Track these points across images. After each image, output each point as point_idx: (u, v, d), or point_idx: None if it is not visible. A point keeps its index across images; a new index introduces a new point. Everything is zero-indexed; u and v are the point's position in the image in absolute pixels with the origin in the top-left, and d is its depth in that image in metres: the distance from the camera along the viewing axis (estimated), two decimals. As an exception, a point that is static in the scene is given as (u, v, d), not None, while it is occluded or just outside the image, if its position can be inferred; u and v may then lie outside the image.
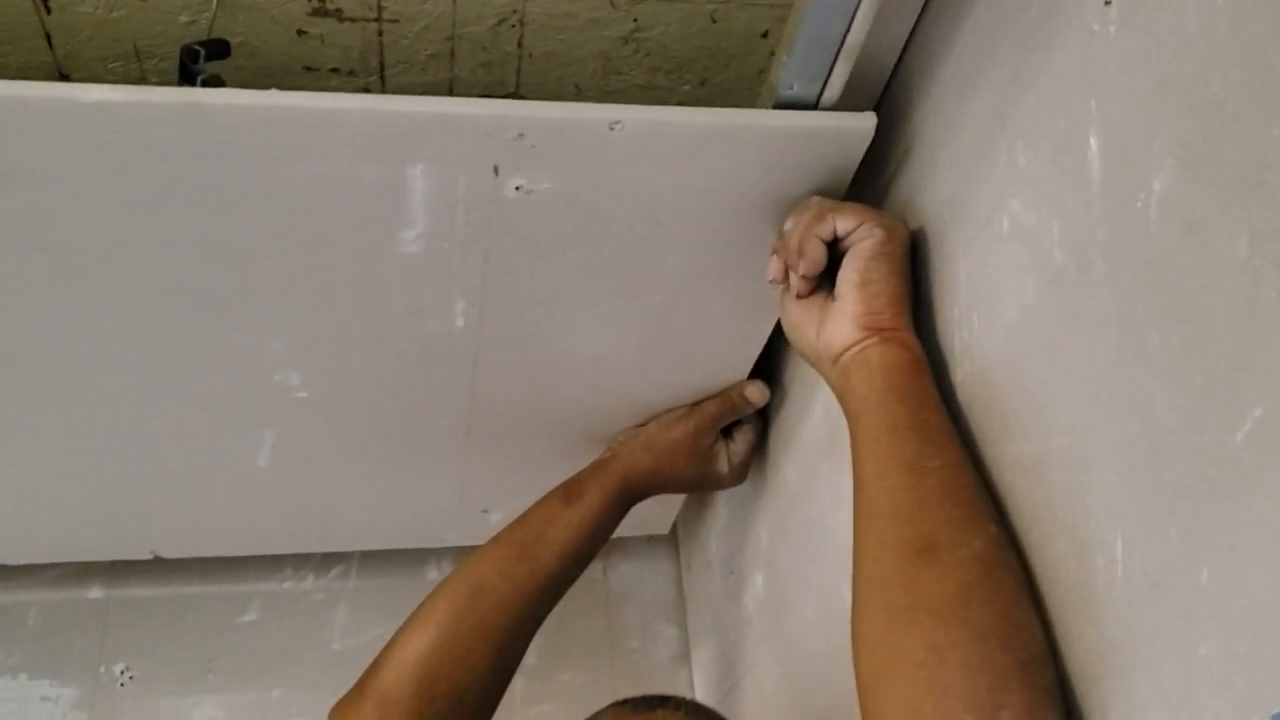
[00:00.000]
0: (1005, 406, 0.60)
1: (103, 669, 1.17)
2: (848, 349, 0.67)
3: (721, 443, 1.02)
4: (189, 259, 0.76)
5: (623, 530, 1.25)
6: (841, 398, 0.69)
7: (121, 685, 1.17)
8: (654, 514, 1.24)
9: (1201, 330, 0.45)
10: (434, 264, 0.79)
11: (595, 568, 1.30)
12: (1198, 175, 0.46)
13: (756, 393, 0.99)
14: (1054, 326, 0.56)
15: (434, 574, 1.27)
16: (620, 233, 0.78)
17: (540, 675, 1.24)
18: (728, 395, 1.00)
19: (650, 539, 1.32)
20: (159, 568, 1.20)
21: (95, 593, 1.20)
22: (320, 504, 1.10)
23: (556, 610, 1.20)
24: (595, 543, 0.97)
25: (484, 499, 1.12)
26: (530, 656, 1.20)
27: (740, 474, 1.03)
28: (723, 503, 1.15)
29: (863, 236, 0.68)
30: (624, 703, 0.76)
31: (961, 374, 0.65)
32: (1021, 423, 0.59)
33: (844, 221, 0.68)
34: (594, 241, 0.78)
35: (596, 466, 0.99)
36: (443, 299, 0.83)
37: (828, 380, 0.71)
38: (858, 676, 0.57)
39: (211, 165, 0.68)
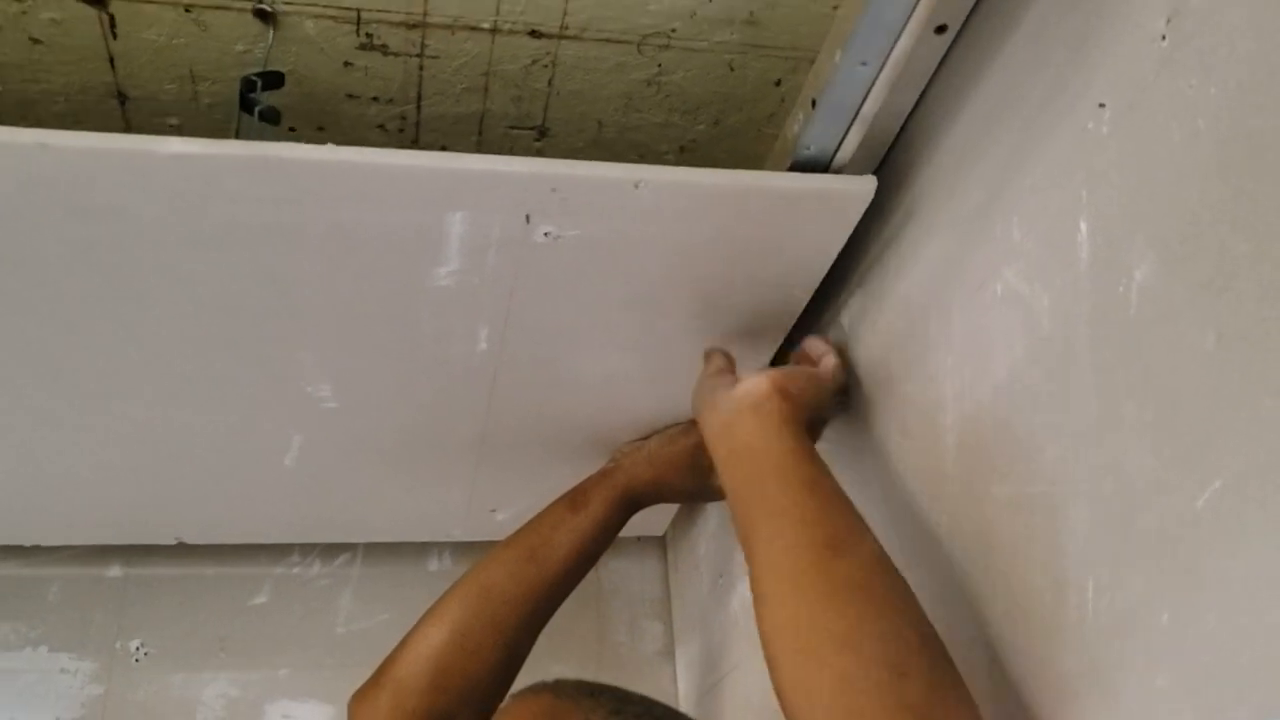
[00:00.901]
0: (991, 452, 0.67)
1: (119, 644, 1.23)
2: (762, 397, 0.77)
3: None
4: (243, 287, 0.82)
5: (616, 530, 1.32)
6: (742, 434, 0.77)
7: (137, 660, 1.22)
8: (649, 517, 1.30)
9: (1172, 406, 0.52)
10: (463, 297, 0.85)
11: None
12: (1174, 271, 0.53)
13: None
14: (1039, 386, 0.63)
15: (435, 565, 1.33)
16: (636, 274, 0.84)
17: (531, 665, 1.28)
18: None
19: (640, 539, 1.39)
20: (176, 550, 1.25)
21: (115, 571, 1.26)
22: (338, 500, 1.16)
23: None
24: (599, 547, 1.03)
25: (492, 499, 1.19)
26: (524, 645, 1.27)
27: None
28: (713, 509, 1.22)
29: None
30: (564, 682, 0.79)
31: (951, 419, 0.72)
32: (1006, 467, 0.66)
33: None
34: (612, 281, 0.85)
35: (601, 476, 1.05)
36: (468, 326, 0.89)
37: (724, 424, 0.79)
38: (775, 662, 0.64)
39: (272, 209, 0.74)
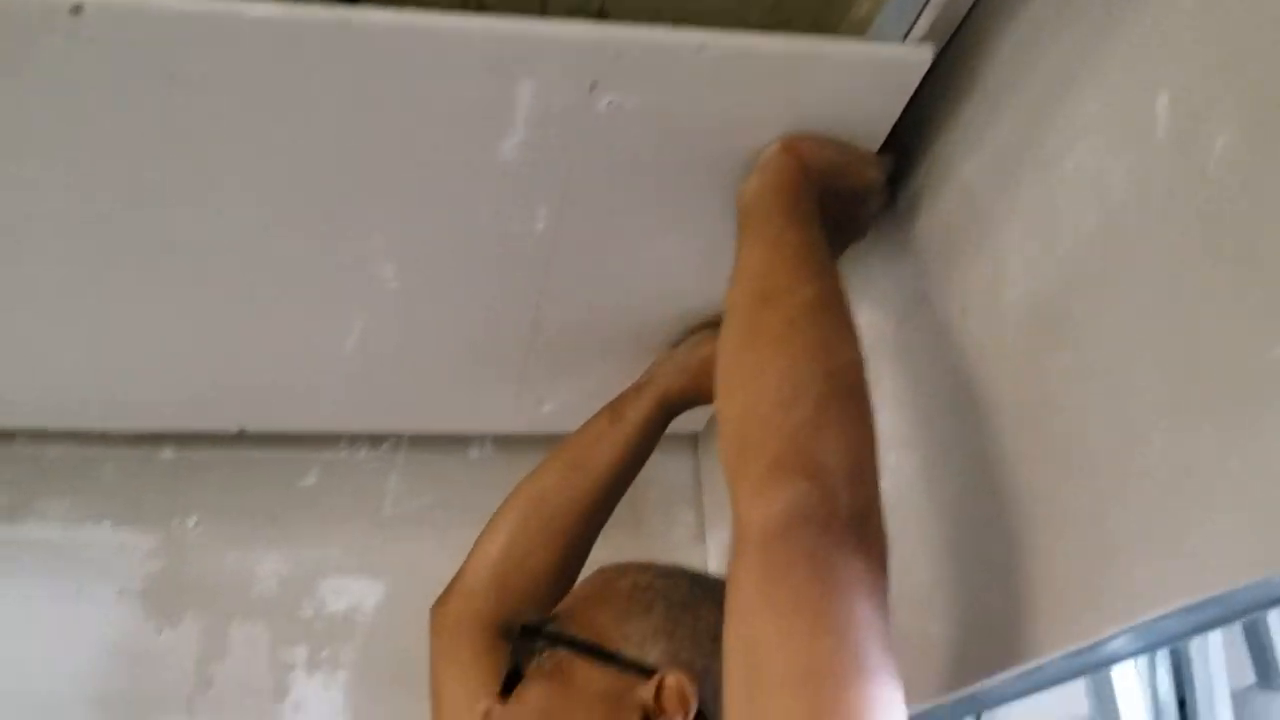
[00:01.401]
0: (1058, 322, 0.71)
1: (175, 521, 1.27)
2: (770, 154, 0.84)
3: None
4: (316, 158, 0.84)
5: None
6: (745, 194, 0.84)
7: (194, 536, 1.27)
8: (685, 415, 1.35)
9: (1250, 268, 0.55)
10: (525, 171, 0.87)
11: (622, 455, 1.41)
12: (1255, 140, 0.56)
13: None
14: (1109, 255, 0.66)
15: (475, 454, 1.37)
16: (695, 147, 0.86)
17: None
18: None
19: (671, 435, 1.43)
20: (224, 435, 1.29)
21: (167, 454, 1.29)
22: (393, 387, 1.19)
23: None
24: (641, 455, 1.10)
25: (541, 391, 1.22)
26: (563, 532, 1.31)
27: None
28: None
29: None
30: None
31: (1015, 294, 0.75)
32: (1073, 336, 0.69)
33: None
34: (670, 154, 0.87)
35: (637, 389, 1.11)
36: (528, 204, 0.92)
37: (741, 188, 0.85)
38: (715, 390, 0.74)
39: (351, 76, 0.76)
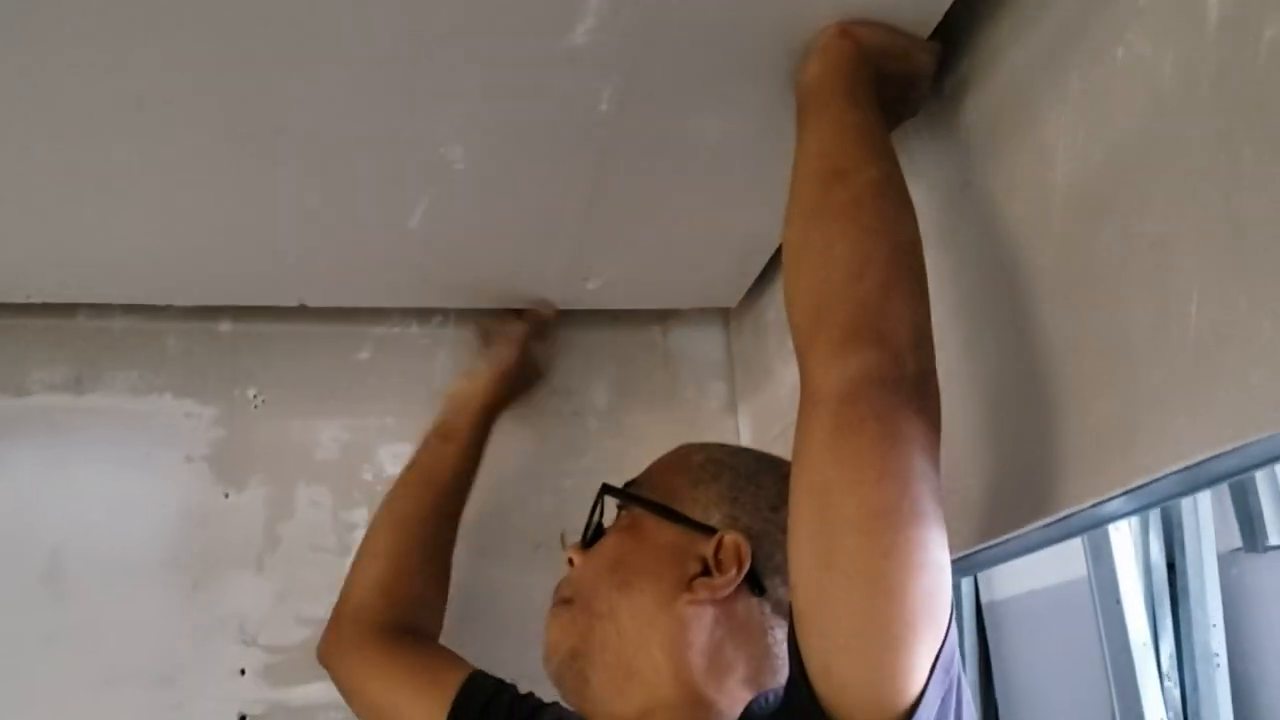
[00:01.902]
0: (1103, 200, 0.76)
1: (236, 392, 1.34)
2: (826, 37, 0.87)
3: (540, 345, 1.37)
4: (393, 41, 0.88)
5: (682, 302, 1.43)
6: (802, 77, 0.89)
7: (255, 407, 1.33)
8: (719, 289, 1.41)
9: (1290, 150, 0.61)
10: (594, 54, 0.91)
11: (655, 331, 1.48)
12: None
13: (548, 309, 1.36)
14: (1156, 139, 0.71)
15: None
16: (756, 29, 0.90)
17: (611, 418, 1.43)
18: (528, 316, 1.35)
19: (704, 310, 1.49)
20: (281, 309, 1.35)
21: (225, 326, 1.35)
22: (451, 263, 1.25)
23: (625, 364, 1.42)
24: (475, 457, 1.29)
25: (588, 268, 1.29)
26: (602, 401, 1.40)
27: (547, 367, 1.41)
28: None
29: None
30: None
31: (1061, 174, 0.81)
32: (1115, 210, 0.75)
33: None
34: (732, 37, 0.90)
35: (457, 409, 1.29)
36: (593, 85, 0.95)
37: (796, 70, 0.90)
38: (783, 271, 0.81)
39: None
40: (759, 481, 0.95)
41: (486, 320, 1.35)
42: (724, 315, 1.51)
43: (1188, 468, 0.68)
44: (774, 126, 1.02)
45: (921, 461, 0.71)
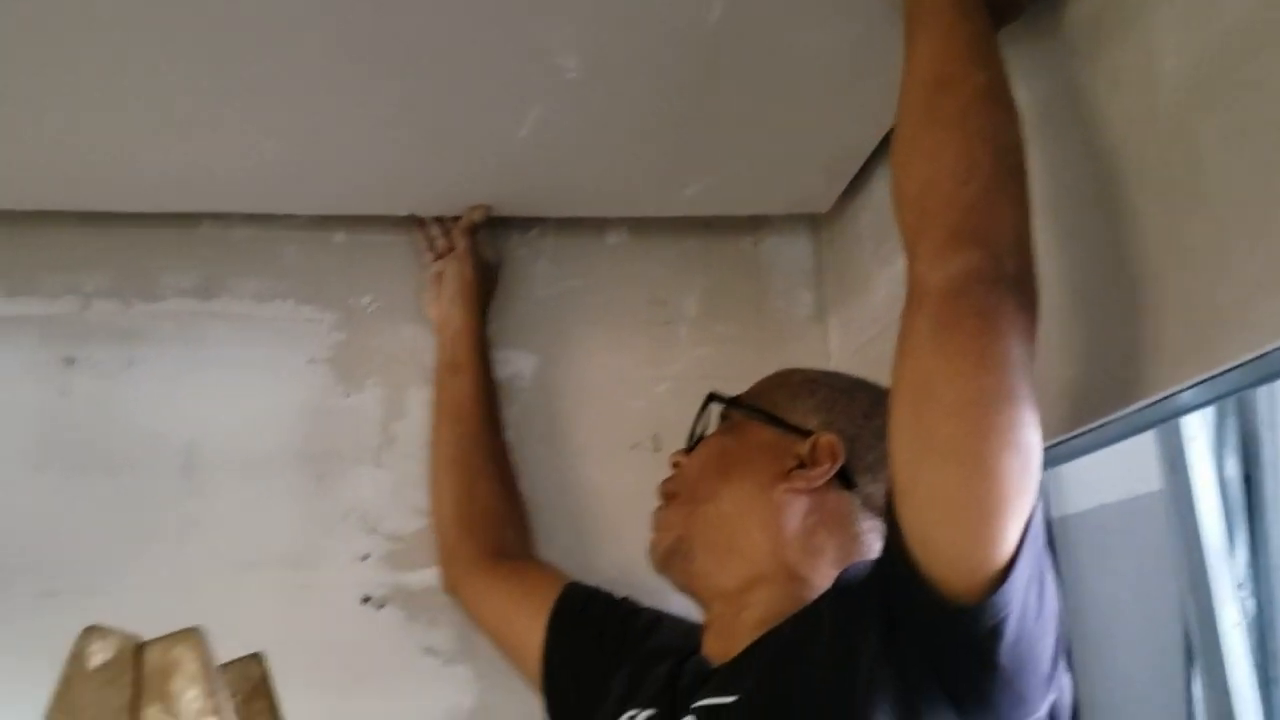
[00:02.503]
0: (1211, 89, 0.78)
1: (352, 299, 1.41)
2: None
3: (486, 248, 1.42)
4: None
5: (773, 208, 1.47)
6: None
7: (370, 313, 1.41)
8: (806, 195, 1.45)
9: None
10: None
11: (745, 242, 1.52)
12: None
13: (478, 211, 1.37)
14: (1268, 25, 0.74)
15: (613, 239, 1.49)
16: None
17: (700, 325, 1.48)
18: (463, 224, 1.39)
19: (792, 217, 1.53)
20: (389, 220, 1.42)
21: (340, 237, 1.42)
22: (551, 172, 1.31)
23: (715, 274, 1.49)
24: (488, 374, 1.37)
25: (688, 175, 1.34)
26: (692, 310, 1.45)
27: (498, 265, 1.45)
28: (882, 180, 1.35)
29: None
30: None
31: (1170, 65, 0.83)
32: (1224, 99, 0.77)
33: None
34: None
35: (452, 340, 1.36)
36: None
37: None
38: (892, 168, 0.86)
39: None
40: (852, 395, 1.03)
41: (426, 234, 1.41)
42: (814, 225, 1.54)
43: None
44: (873, 36, 1.06)
45: (1017, 352, 0.77)
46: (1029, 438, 0.76)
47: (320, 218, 1.41)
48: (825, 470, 0.97)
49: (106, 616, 1.26)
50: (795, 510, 0.97)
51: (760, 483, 0.98)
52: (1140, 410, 0.88)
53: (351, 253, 1.42)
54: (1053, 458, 1.04)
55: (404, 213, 1.40)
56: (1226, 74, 0.77)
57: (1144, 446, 2.10)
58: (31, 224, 1.35)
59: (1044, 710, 0.83)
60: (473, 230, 1.39)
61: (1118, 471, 2.39)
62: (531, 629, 1.19)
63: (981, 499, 0.75)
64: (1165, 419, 0.96)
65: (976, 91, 0.83)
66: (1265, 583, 2.18)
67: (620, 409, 1.43)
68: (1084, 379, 0.94)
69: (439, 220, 1.40)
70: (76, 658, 0.76)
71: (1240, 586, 2.17)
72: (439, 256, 1.39)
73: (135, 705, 0.72)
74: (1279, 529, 2.18)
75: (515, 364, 1.43)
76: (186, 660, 0.73)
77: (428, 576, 1.33)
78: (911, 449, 0.78)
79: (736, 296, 1.50)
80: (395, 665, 1.30)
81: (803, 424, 1.00)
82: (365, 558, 1.33)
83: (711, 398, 1.08)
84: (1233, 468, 2.24)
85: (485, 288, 1.40)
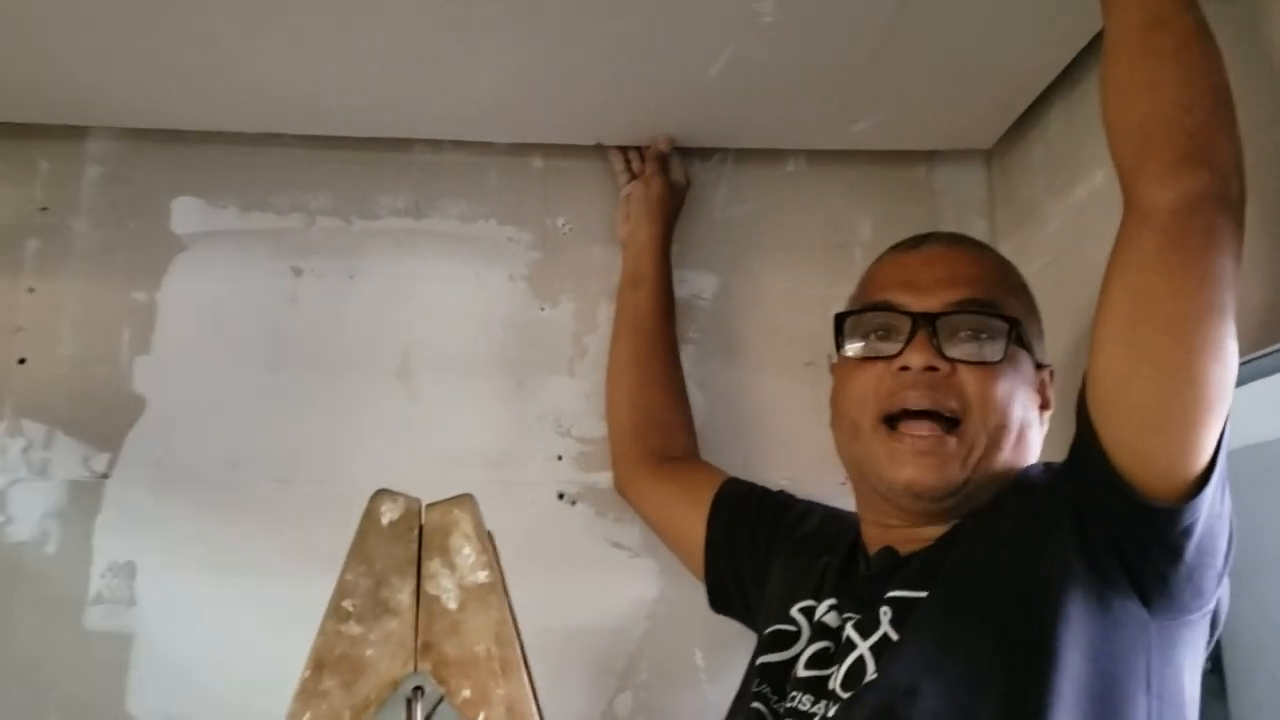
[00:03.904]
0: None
1: (548, 221, 1.52)
2: None
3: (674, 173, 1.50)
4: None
5: (942, 143, 1.51)
6: None
7: (564, 234, 1.52)
8: (975, 129, 1.50)
9: None
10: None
11: (919, 171, 1.57)
12: None
13: (663, 142, 1.45)
14: None
15: (791, 167, 1.56)
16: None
17: (874, 249, 1.49)
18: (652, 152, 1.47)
19: (965, 151, 1.57)
20: (582, 148, 1.51)
21: (537, 163, 1.53)
22: (736, 106, 1.39)
23: (889, 200, 1.57)
24: (668, 290, 1.45)
25: (859, 111, 1.41)
26: (866, 234, 1.52)
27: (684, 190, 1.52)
28: (1057, 115, 1.39)
29: None
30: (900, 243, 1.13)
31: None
32: None
33: None
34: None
35: (636, 255, 1.44)
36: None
37: None
38: (1103, 102, 0.89)
39: None
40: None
41: (624, 158, 1.50)
42: (985, 156, 1.58)
43: None
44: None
45: (1232, 272, 0.83)
46: (1232, 350, 0.83)
47: (520, 145, 1.52)
48: (1050, 409, 1.05)
49: (331, 504, 1.43)
50: (1039, 440, 1.04)
51: (1031, 422, 1.02)
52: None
53: (547, 178, 1.53)
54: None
55: (592, 142, 1.49)
56: None
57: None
58: (261, 146, 1.49)
59: (1213, 604, 0.91)
60: (661, 156, 1.47)
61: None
62: (694, 521, 1.29)
63: (1190, 409, 0.82)
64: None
65: (1189, 30, 0.87)
66: None
67: (795, 328, 1.51)
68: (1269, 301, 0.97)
69: (635, 147, 1.48)
70: (370, 515, 0.89)
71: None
72: (631, 179, 1.48)
73: (420, 557, 0.85)
74: None
75: (696, 283, 1.52)
76: (463, 521, 0.85)
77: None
78: (1125, 359, 0.84)
79: (909, 223, 1.54)
80: (587, 557, 1.43)
81: (1042, 357, 1.05)
82: (559, 458, 1.46)
83: (983, 309, 1.00)
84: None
85: (672, 207, 1.47)
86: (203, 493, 1.39)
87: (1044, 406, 1.05)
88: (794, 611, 1.08)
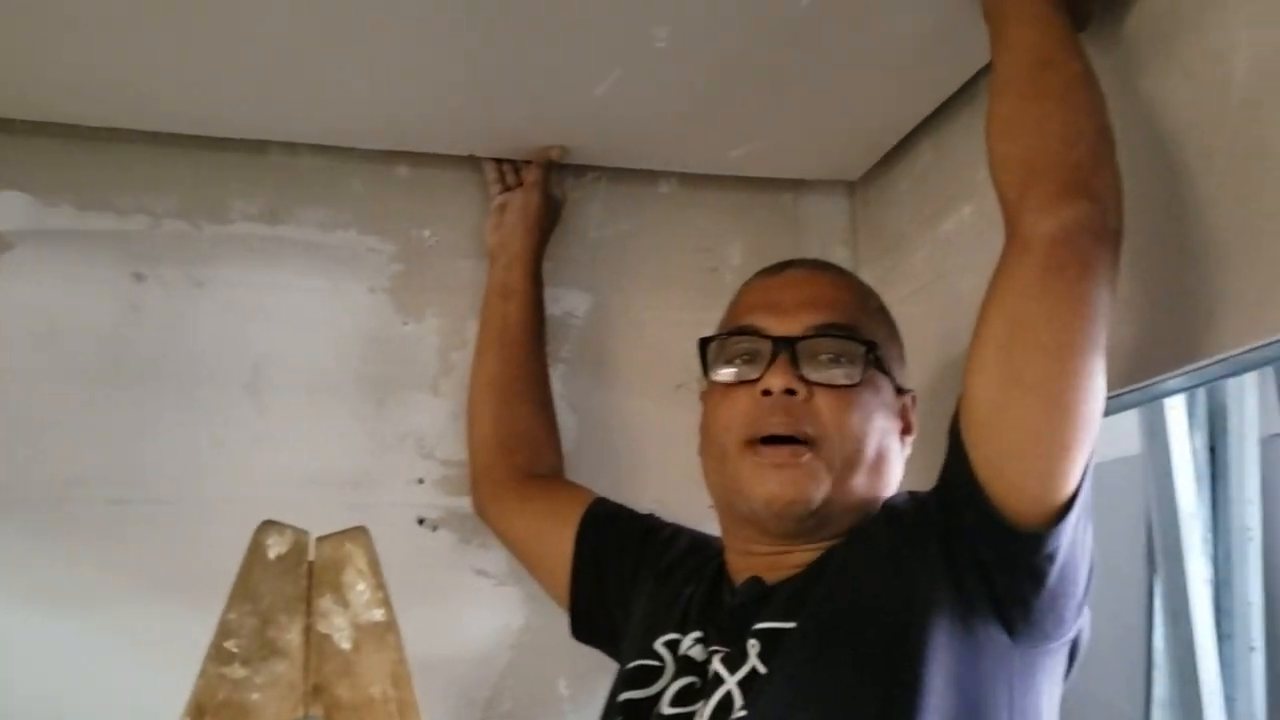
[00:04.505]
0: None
1: (413, 232, 1.45)
2: None
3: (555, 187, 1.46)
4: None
5: (809, 173, 1.54)
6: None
7: (429, 246, 1.46)
8: (840, 160, 1.54)
9: None
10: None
11: (786, 199, 1.59)
12: None
13: (556, 151, 1.41)
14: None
15: (664, 189, 1.55)
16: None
17: (743, 273, 1.48)
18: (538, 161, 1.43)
19: (828, 182, 1.61)
20: (452, 157, 1.46)
21: (402, 171, 1.47)
22: (613, 127, 1.38)
23: (757, 226, 1.57)
24: (539, 303, 1.40)
25: (736, 139, 1.43)
26: (735, 258, 1.53)
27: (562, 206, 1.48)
28: (926, 149, 1.42)
29: None
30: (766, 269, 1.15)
31: (1242, 59, 0.91)
32: None
33: None
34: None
35: (507, 265, 1.39)
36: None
37: None
38: (988, 137, 0.92)
39: None
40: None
41: (498, 168, 1.45)
42: (849, 187, 1.62)
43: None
44: (940, 29, 1.13)
45: (1107, 303, 0.86)
46: (1103, 384, 0.86)
47: (385, 152, 1.45)
48: (911, 427, 1.06)
49: (173, 526, 1.33)
50: (900, 464, 1.06)
51: (891, 446, 1.03)
52: (1194, 370, 0.96)
53: (414, 187, 1.47)
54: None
55: (465, 153, 1.44)
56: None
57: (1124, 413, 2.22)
58: (103, 141, 1.37)
59: (1074, 632, 0.94)
60: (548, 167, 1.43)
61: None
62: (561, 541, 1.24)
63: (1061, 436, 0.84)
64: (1221, 377, 1.05)
65: (1076, 73, 0.91)
66: (1224, 546, 2.34)
67: (667, 350, 1.49)
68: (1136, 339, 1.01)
69: (509, 160, 1.44)
70: (255, 548, 0.82)
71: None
72: (504, 190, 1.43)
73: (310, 594, 0.79)
74: (1239, 497, 2.33)
75: (569, 301, 1.49)
76: (356, 556, 0.79)
77: (480, 503, 1.39)
78: (999, 385, 0.87)
79: (776, 248, 1.55)
80: (449, 585, 1.38)
81: (903, 382, 1.07)
82: (421, 481, 1.39)
83: (842, 333, 1.01)
84: (1200, 440, 2.38)
85: (548, 221, 1.44)
86: (34, 515, 1.27)
87: (906, 431, 1.06)
88: (658, 645, 1.05)
